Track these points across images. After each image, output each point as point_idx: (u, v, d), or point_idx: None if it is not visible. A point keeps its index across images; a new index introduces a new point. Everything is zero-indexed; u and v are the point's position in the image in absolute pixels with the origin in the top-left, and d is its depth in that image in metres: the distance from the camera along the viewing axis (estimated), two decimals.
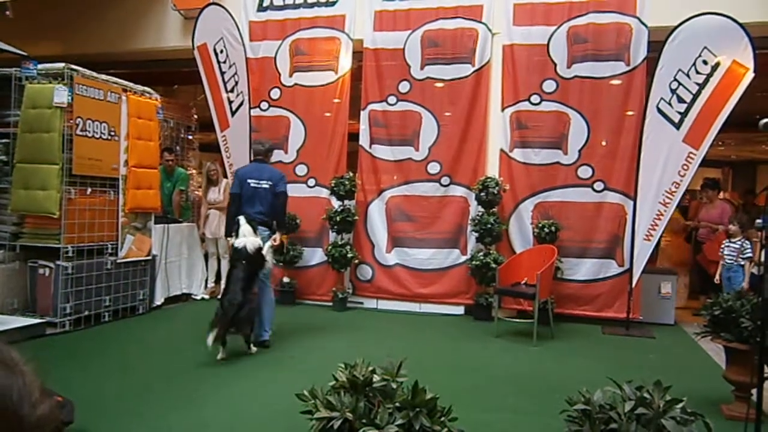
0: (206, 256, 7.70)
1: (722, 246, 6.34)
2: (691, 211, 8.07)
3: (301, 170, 7.51)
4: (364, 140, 7.32)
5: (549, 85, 6.74)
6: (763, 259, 2.94)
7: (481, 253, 6.70)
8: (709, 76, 5.94)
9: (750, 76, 5.73)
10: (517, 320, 6.67)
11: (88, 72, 5.77)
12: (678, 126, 6.08)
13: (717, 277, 6.37)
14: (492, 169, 6.93)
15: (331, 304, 7.14)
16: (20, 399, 0.78)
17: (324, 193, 7.39)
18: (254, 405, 3.85)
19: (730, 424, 3.49)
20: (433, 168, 7.08)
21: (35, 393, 0.81)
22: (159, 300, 6.80)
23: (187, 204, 8.07)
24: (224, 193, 7.50)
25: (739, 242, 6.19)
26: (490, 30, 6.91)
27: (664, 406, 2.08)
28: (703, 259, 7.31)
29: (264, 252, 5.13)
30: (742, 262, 6.15)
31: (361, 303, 7.30)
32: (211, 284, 7.69)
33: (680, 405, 2.10)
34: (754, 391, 3.29)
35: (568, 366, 4.97)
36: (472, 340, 5.85)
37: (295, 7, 7.51)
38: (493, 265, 6.45)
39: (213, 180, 7.57)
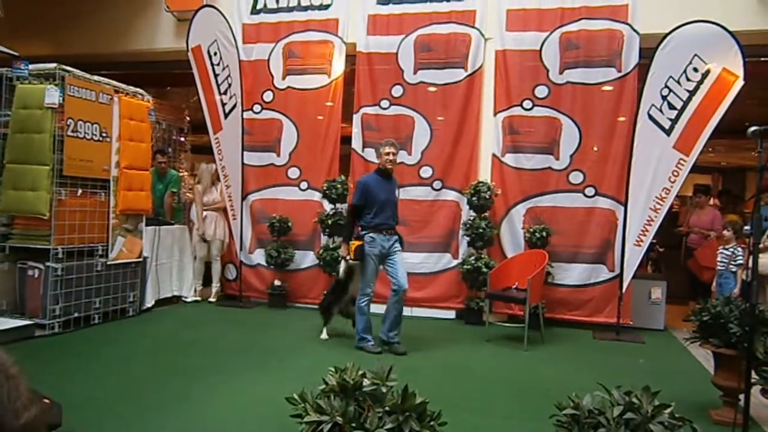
0: (195, 258, 7.64)
1: (718, 252, 6.38)
2: (681, 216, 8.11)
3: (293, 173, 7.51)
4: (356, 144, 7.33)
5: (541, 91, 6.78)
6: (750, 265, 2.97)
7: (473, 258, 6.71)
8: (700, 83, 5.99)
9: (740, 83, 5.78)
10: (508, 325, 6.68)
11: (79, 73, 5.75)
12: (669, 132, 6.12)
13: (714, 284, 6.40)
14: (484, 173, 6.95)
15: None
16: (1, 410, 0.78)
17: (316, 196, 7.39)
18: (244, 408, 3.83)
19: (718, 429, 3.51)
20: (426, 172, 7.09)
21: (21, 399, 0.80)
22: (149, 302, 6.77)
23: (179, 206, 8.04)
24: (223, 194, 7.47)
25: (731, 249, 6.23)
26: (483, 35, 6.94)
27: (653, 411, 2.09)
28: (694, 265, 7.35)
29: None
30: (734, 269, 6.18)
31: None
32: (200, 287, 7.64)
33: (668, 410, 2.11)
34: (741, 396, 3.31)
35: (558, 371, 4.98)
36: (462, 344, 5.86)
37: (289, 10, 7.51)
38: (485, 270, 6.46)
39: (213, 180, 7.53)
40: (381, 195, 5.38)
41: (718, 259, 6.32)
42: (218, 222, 7.50)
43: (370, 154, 7.25)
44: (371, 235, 5.36)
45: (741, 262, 6.17)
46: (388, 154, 5.44)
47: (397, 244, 5.49)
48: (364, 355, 5.17)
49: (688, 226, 7.81)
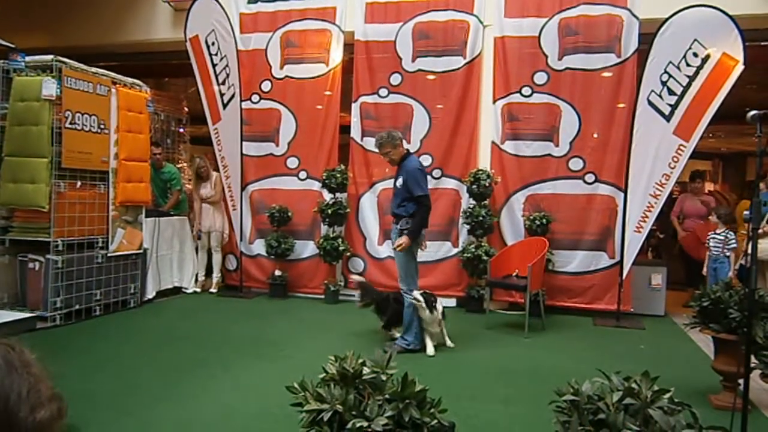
0: (196, 249, 7.66)
1: (707, 238, 6.40)
2: (677, 204, 8.06)
3: (292, 163, 7.49)
4: (355, 133, 7.31)
5: (540, 77, 6.74)
6: (750, 250, 2.96)
7: (473, 246, 6.71)
8: (699, 68, 5.96)
9: (740, 68, 5.76)
10: (509, 312, 6.70)
11: (77, 64, 5.73)
12: (668, 118, 6.10)
13: (705, 268, 6.44)
14: (483, 161, 6.93)
15: (322, 296, 7.15)
16: (18, 402, 0.77)
17: (316, 185, 7.38)
18: (245, 397, 3.85)
19: (718, 414, 3.52)
20: (425, 160, 7.03)
21: (39, 397, 0.80)
22: (150, 294, 6.79)
23: (184, 196, 7.99)
24: (216, 187, 7.47)
25: (723, 233, 6.27)
26: (481, 22, 6.89)
27: (652, 396, 2.09)
28: (690, 241, 7.29)
29: None
30: (728, 253, 6.23)
31: (353, 295, 7.30)
32: (201, 278, 7.66)
33: (668, 395, 2.11)
34: (741, 381, 3.31)
35: (559, 357, 5.00)
36: (463, 332, 5.87)
37: None
38: (485, 258, 6.47)
39: (203, 176, 7.51)
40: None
41: (711, 245, 6.35)
42: (215, 214, 7.50)
43: (370, 143, 7.22)
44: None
45: (735, 245, 6.22)
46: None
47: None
48: (364, 344, 5.18)
49: (681, 212, 7.78)
